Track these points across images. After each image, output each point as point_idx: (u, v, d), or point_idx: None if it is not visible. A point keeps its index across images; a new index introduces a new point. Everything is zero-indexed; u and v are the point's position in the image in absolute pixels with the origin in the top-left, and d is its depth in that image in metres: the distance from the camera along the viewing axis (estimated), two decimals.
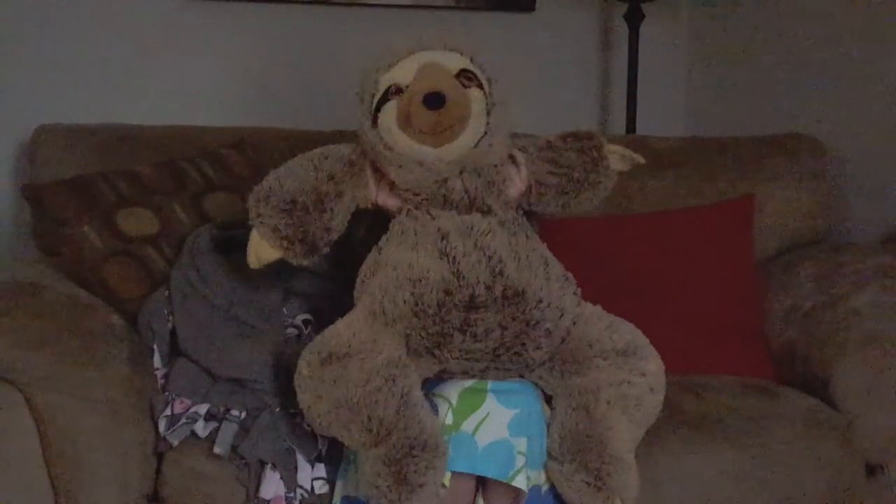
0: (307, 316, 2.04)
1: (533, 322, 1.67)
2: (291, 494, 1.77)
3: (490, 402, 1.65)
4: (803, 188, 2.44)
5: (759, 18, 2.82)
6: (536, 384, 1.76)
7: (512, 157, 1.77)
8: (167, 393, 1.86)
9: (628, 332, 1.75)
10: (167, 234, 2.09)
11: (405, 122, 1.63)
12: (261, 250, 1.73)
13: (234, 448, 1.79)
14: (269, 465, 1.78)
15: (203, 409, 1.82)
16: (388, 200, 1.74)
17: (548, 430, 1.71)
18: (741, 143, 2.55)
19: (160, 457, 1.82)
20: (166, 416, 1.81)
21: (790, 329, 2.20)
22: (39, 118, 2.37)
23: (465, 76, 1.66)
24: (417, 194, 1.70)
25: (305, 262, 1.74)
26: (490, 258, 1.66)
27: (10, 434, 1.71)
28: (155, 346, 1.93)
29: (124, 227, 2.06)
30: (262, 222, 1.71)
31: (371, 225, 1.81)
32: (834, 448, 1.94)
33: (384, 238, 1.72)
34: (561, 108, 2.83)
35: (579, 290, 1.76)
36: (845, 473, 1.94)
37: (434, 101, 1.61)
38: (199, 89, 2.73)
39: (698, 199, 2.42)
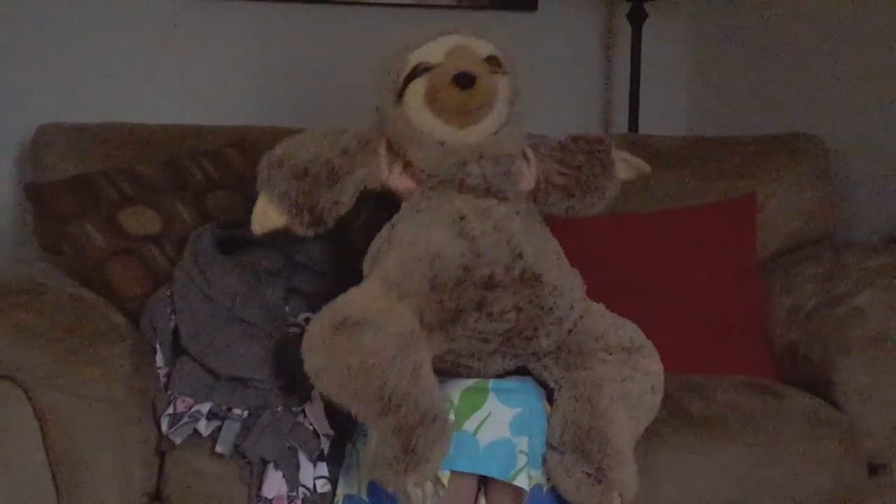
0: (309, 315, 2.03)
1: (547, 307, 1.68)
2: (294, 493, 1.77)
3: (491, 402, 1.65)
4: (806, 188, 2.44)
5: (761, 18, 2.82)
6: (538, 377, 1.76)
7: (524, 153, 1.78)
8: (169, 392, 1.85)
9: (632, 331, 1.77)
10: (169, 233, 2.09)
11: (432, 99, 1.64)
12: (266, 216, 1.72)
13: (236, 447, 1.79)
14: (271, 464, 1.78)
15: (205, 407, 1.82)
16: (399, 182, 1.74)
17: (548, 421, 1.72)
18: (744, 142, 2.55)
19: (162, 455, 1.82)
20: (168, 414, 1.81)
21: (792, 328, 2.19)
22: (41, 117, 2.37)
23: (492, 62, 1.68)
24: (433, 175, 1.70)
25: (310, 233, 1.73)
26: (509, 240, 1.67)
27: (13, 433, 1.71)
28: (157, 345, 1.93)
29: (126, 226, 2.06)
30: (272, 187, 1.70)
31: (367, 220, 1.81)
32: (836, 447, 1.93)
33: (396, 217, 1.72)
34: (563, 107, 2.83)
35: (585, 286, 1.77)
36: (847, 473, 1.94)
37: (464, 80, 1.62)
38: (201, 88, 2.73)
39: (700, 199, 2.42)
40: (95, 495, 1.73)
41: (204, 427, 1.80)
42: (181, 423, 1.80)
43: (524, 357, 1.73)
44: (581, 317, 1.75)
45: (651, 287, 2.26)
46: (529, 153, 1.80)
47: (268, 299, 2.00)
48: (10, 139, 2.54)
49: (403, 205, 1.73)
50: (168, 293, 1.97)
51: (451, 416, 1.63)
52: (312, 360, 1.59)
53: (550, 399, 1.76)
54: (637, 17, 2.82)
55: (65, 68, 2.62)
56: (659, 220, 2.35)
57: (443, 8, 2.84)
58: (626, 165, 1.90)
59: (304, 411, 1.83)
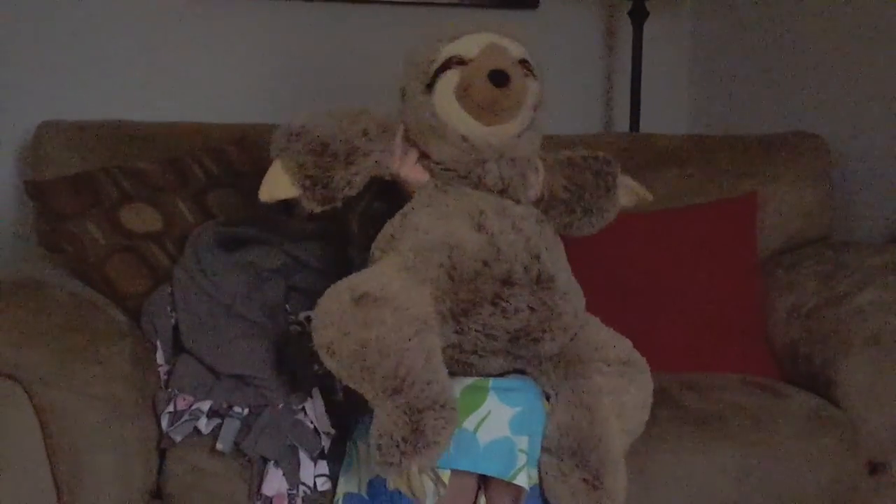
0: (310, 313, 2.02)
1: (557, 311, 1.68)
2: (294, 491, 1.77)
3: (491, 401, 1.65)
4: (807, 186, 2.44)
5: (762, 16, 2.82)
6: (536, 381, 1.76)
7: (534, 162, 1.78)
8: (170, 389, 1.86)
9: (628, 347, 1.78)
10: (170, 231, 2.09)
11: (464, 93, 1.64)
12: (279, 184, 1.67)
13: (236, 445, 1.79)
14: (271, 462, 1.78)
15: (206, 405, 1.82)
16: (411, 173, 1.73)
17: (546, 425, 1.71)
18: (745, 141, 2.55)
19: (163, 453, 1.82)
20: (169, 412, 1.81)
21: (793, 327, 2.20)
22: (42, 114, 2.37)
23: (524, 66, 1.69)
24: (451, 170, 1.69)
25: (317, 209, 1.69)
26: (528, 240, 1.68)
27: (13, 430, 1.71)
28: (158, 343, 1.93)
29: (127, 224, 2.06)
30: (288, 157, 1.66)
31: (363, 218, 1.81)
32: (837, 446, 1.94)
33: (408, 206, 1.71)
34: (564, 106, 2.81)
35: (584, 299, 1.78)
36: (848, 472, 1.94)
37: (500, 78, 1.62)
38: (203, 86, 2.73)
39: (701, 198, 2.42)
40: (95, 493, 1.73)
41: (204, 425, 1.80)
42: (181, 420, 1.80)
43: (526, 359, 1.72)
44: (581, 326, 1.76)
45: (652, 286, 2.26)
46: (539, 164, 1.80)
47: (268, 297, 2.00)
48: (11, 136, 2.54)
49: (416, 195, 1.72)
50: (168, 291, 1.97)
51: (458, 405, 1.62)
52: (326, 331, 1.55)
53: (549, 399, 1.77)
54: (638, 16, 2.82)
55: (66, 66, 2.62)
56: (660, 218, 2.35)
57: (444, 6, 2.84)
58: (628, 191, 1.90)
59: (304, 409, 1.83)
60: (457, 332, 1.65)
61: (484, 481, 1.69)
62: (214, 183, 2.22)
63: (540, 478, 1.70)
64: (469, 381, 1.69)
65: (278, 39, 2.78)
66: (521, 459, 1.64)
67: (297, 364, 1.87)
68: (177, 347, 1.93)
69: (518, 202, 1.72)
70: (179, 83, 2.71)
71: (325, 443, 1.81)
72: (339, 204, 1.71)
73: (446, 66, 1.66)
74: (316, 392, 1.84)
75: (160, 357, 1.93)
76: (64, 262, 2.05)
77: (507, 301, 1.64)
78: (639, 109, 2.85)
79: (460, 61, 1.66)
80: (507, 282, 1.64)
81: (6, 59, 2.58)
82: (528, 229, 1.69)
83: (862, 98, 2.48)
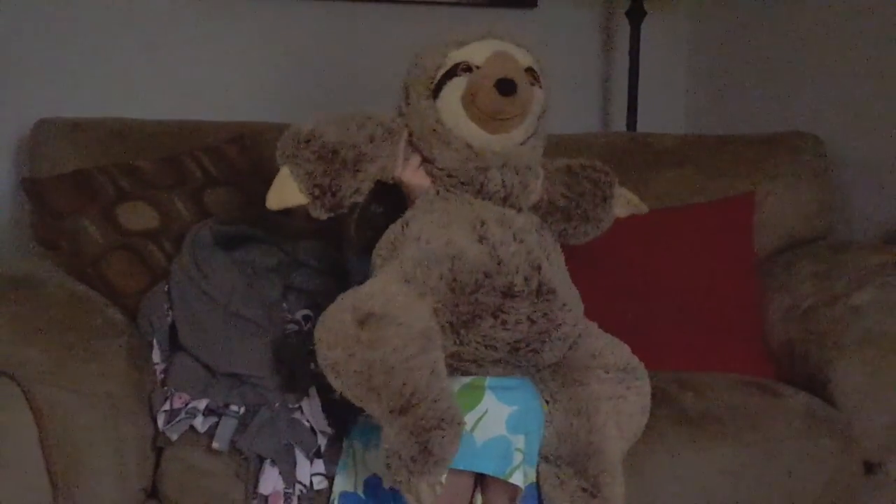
0: (307, 312, 2.04)
1: (557, 322, 1.68)
2: (290, 490, 1.77)
3: (488, 399, 1.65)
4: (804, 186, 2.44)
5: (760, 16, 2.82)
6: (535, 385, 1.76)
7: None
8: (166, 388, 1.85)
9: (626, 353, 1.78)
10: (167, 229, 2.08)
11: (470, 100, 1.63)
12: (287, 193, 1.66)
13: (233, 443, 1.79)
14: (267, 461, 1.78)
15: (202, 404, 1.82)
16: (413, 178, 1.72)
17: (544, 433, 1.72)
18: (742, 140, 2.55)
19: (159, 451, 1.82)
20: (165, 410, 1.81)
21: (789, 327, 2.20)
22: (40, 112, 2.37)
23: (531, 74, 1.68)
24: (453, 176, 1.69)
25: (324, 217, 1.68)
26: (529, 252, 1.67)
27: (9, 428, 1.71)
28: (154, 341, 1.93)
29: (124, 222, 2.06)
30: (297, 164, 1.64)
31: (360, 222, 1.80)
32: (832, 446, 1.94)
33: (410, 213, 1.70)
34: (562, 105, 2.81)
35: (582, 305, 1.78)
36: (843, 471, 1.94)
37: (507, 87, 1.62)
38: (201, 84, 2.72)
39: (698, 197, 2.42)
40: (91, 491, 1.73)
41: (200, 423, 1.80)
42: (178, 419, 1.79)
43: (525, 369, 1.72)
44: (580, 334, 1.76)
45: (649, 285, 2.26)
46: (539, 170, 1.80)
47: (265, 296, 2.00)
48: (9, 133, 2.53)
49: (417, 202, 1.71)
50: (165, 289, 1.97)
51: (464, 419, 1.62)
52: (331, 353, 1.54)
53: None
54: (636, 15, 2.82)
55: (64, 63, 2.62)
56: (657, 218, 2.34)
57: (443, 5, 2.84)
58: (623, 202, 1.90)
59: (300, 408, 1.83)
60: (456, 343, 1.65)
61: (480, 480, 1.69)
62: (212, 181, 2.22)
63: (538, 482, 1.71)
64: (466, 379, 1.69)
65: (277, 38, 2.77)
66: (518, 458, 1.64)
67: (293, 363, 1.86)
68: (173, 346, 1.93)
69: (520, 210, 1.72)
70: (177, 81, 2.71)
71: (322, 441, 1.81)
72: (345, 210, 1.70)
73: (453, 72, 1.65)
74: (313, 391, 1.84)
75: (156, 355, 1.92)
76: (61, 259, 2.05)
77: (508, 313, 1.64)
78: (636, 109, 2.85)
79: (467, 68, 1.65)
80: (508, 294, 1.64)
81: (4, 56, 2.57)
82: (529, 240, 1.69)
83: (859, 98, 2.48)
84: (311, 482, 1.79)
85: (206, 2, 2.71)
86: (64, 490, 1.72)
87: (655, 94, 2.98)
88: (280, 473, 1.78)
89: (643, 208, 1.93)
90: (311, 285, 2.05)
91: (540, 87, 1.70)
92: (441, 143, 1.67)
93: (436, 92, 1.66)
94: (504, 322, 1.63)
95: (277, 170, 1.67)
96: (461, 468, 1.63)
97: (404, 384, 1.53)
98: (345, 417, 1.80)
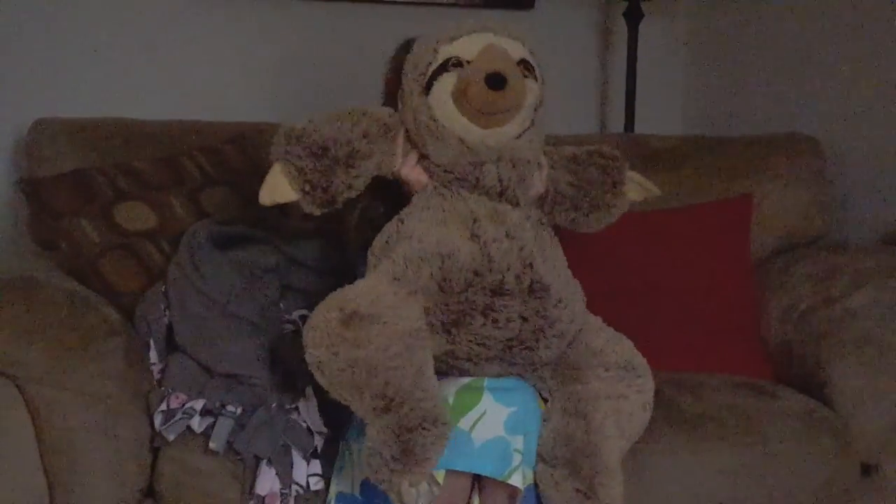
0: (304, 312, 2.04)
1: (551, 320, 1.67)
2: (286, 490, 1.77)
3: (487, 400, 1.65)
4: (801, 188, 2.44)
5: (757, 18, 2.82)
6: (534, 386, 1.75)
7: (538, 160, 1.77)
8: (163, 388, 1.85)
9: (628, 349, 1.76)
10: (165, 229, 2.08)
11: (461, 95, 1.62)
12: (278, 189, 1.67)
13: (229, 444, 1.79)
14: (264, 461, 1.78)
15: (199, 404, 1.82)
16: (411, 174, 1.72)
17: (541, 432, 1.71)
18: (739, 142, 2.55)
19: (156, 452, 1.82)
20: (162, 411, 1.81)
21: (787, 328, 2.20)
22: (37, 112, 2.36)
23: (524, 66, 1.67)
24: (449, 172, 1.68)
25: (317, 212, 1.69)
26: (521, 248, 1.66)
27: (6, 429, 1.71)
28: (151, 341, 1.93)
29: (122, 222, 2.06)
30: (288, 160, 1.66)
31: (365, 207, 1.80)
32: (830, 448, 1.94)
33: (406, 210, 1.70)
34: (559, 106, 2.82)
35: (584, 298, 1.77)
36: (841, 473, 1.94)
37: (497, 81, 1.60)
38: (199, 84, 2.72)
39: (696, 198, 2.42)
40: (88, 491, 1.73)
41: (197, 424, 1.80)
42: (175, 419, 1.79)
43: (522, 366, 1.72)
44: (580, 330, 1.74)
45: (647, 286, 2.26)
46: (543, 161, 1.79)
47: (263, 296, 2.00)
48: (6, 133, 2.53)
49: (414, 199, 1.71)
50: (163, 289, 1.97)
51: (451, 420, 1.61)
52: (315, 351, 1.55)
53: (546, 401, 1.76)
54: (633, 17, 2.82)
55: (62, 63, 2.62)
56: (655, 219, 2.35)
57: (440, 6, 2.84)
58: (636, 186, 1.89)
59: (297, 409, 1.83)
60: (449, 341, 1.65)
61: (478, 481, 1.69)
62: (209, 181, 2.22)
63: (536, 482, 1.70)
64: (464, 381, 1.68)
65: (275, 38, 2.77)
66: (516, 459, 1.64)
67: (290, 363, 1.86)
68: (170, 346, 1.93)
69: (517, 204, 1.71)
70: (175, 81, 2.71)
71: (318, 442, 1.81)
72: (339, 206, 1.70)
73: (444, 67, 1.65)
74: (309, 391, 1.84)
75: (154, 355, 1.92)
76: (58, 259, 2.05)
77: (499, 311, 1.63)
78: (633, 110, 2.85)
79: (458, 63, 1.64)
80: (498, 292, 1.63)
81: (1, 56, 2.57)
82: (522, 236, 1.67)
83: (856, 100, 2.48)
84: (308, 483, 1.79)
85: (204, 2, 2.71)
86: (61, 490, 1.72)
87: (653, 96, 2.98)
88: (277, 474, 1.77)
89: (655, 191, 1.91)
90: (308, 285, 2.05)
91: (534, 79, 1.68)
92: (435, 139, 1.67)
93: (427, 88, 1.65)
94: (495, 321, 1.63)
95: (270, 165, 1.67)
96: (459, 469, 1.63)
97: (387, 383, 1.53)
98: (341, 418, 1.80)
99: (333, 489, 1.79)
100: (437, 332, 1.63)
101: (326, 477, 1.81)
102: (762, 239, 2.41)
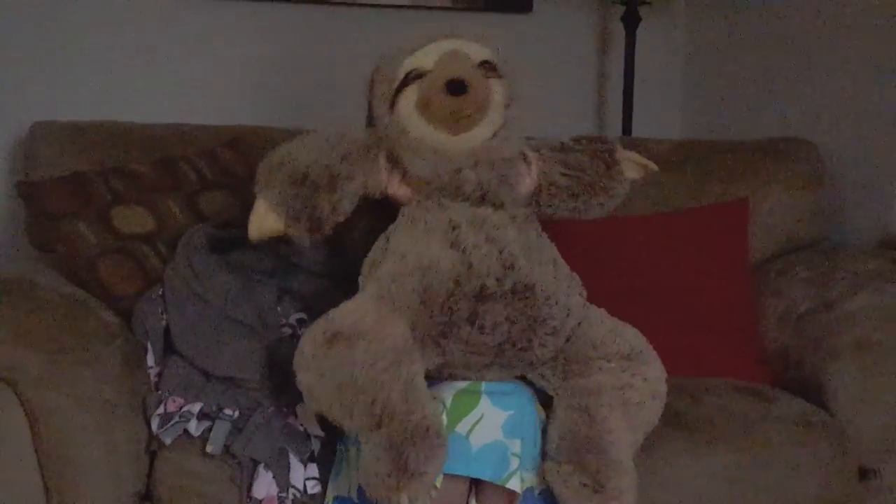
0: (301, 315, 2.04)
1: (541, 318, 1.66)
2: (284, 494, 1.77)
3: (484, 404, 1.65)
4: (798, 192, 2.44)
5: (755, 22, 2.83)
6: (535, 385, 1.75)
7: (523, 155, 1.77)
8: (160, 391, 1.85)
9: (632, 337, 1.75)
10: (162, 232, 2.08)
11: (424, 107, 1.62)
12: (264, 221, 1.68)
13: (226, 447, 1.78)
14: (261, 465, 1.78)
15: (196, 407, 1.82)
16: (398, 190, 1.72)
17: (546, 430, 1.71)
18: (737, 146, 2.55)
19: (153, 455, 1.82)
20: (159, 414, 1.81)
21: (784, 332, 2.20)
22: (35, 115, 2.36)
23: (487, 66, 1.67)
24: (429, 183, 1.68)
25: (306, 241, 1.71)
26: (501, 251, 1.65)
27: (3, 432, 1.70)
28: (148, 345, 1.93)
29: (119, 225, 2.06)
30: (270, 192, 1.67)
31: (368, 225, 1.80)
32: (827, 452, 1.94)
33: (392, 227, 1.71)
34: (557, 110, 2.83)
35: (584, 291, 1.76)
36: (839, 477, 1.94)
37: (456, 87, 1.60)
38: (196, 87, 2.72)
39: (693, 202, 2.43)
40: (85, 495, 1.73)
41: (194, 427, 1.80)
42: (171, 422, 1.79)
43: (520, 367, 1.72)
44: (579, 323, 1.73)
45: (644, 289, 2.26)
46: (530, 155, 1.78)
47: (260, 299, 2.00)
48: (4, 136, 2.54)
49: (399, 216, 1.71)
50: (160, 292, 1.97)
51: (445, 424, 1.62)
52: (304, 375, 1.57)
53: (545, 404, 1.76)
54: (631, 21, 2.82)
55: (60, 66, 2.62)
56: (652, 222, 2.36)
57: (437, 9, 2.84)
58: (632, 165, 1.87)
59: (294, 412, 1.83)
60: (440, 353, 1.65)
61: (475, 485, 1.69)
62: (207, 185, 2.22)
63: (541, 480, 1.70)
64: (462, 384, 1.68)
65: (272, 42, 2.77)
66: (514, 463, 1.64)
67: (287, 367, 1.85)
68: (168, 349, 1.93)
69: (500, 206, 1.70)
70: (172, 84, 2.71)
71: (316, 446, 1.81)
72: (327, 232, 1.71)
73: (406, 81, 1.65)
74: None
75: (151, 359, 1.92)
76: (55, 262, 2.04)
77: (484, 317, 1.63)
78: (631, 114, 2.85)
79: (418, 75, 1.64)
80: (480, 298, 1.63)
81: (0, 58, 2.57)
82: (503, 238, 1.67)
83: (854, 104, 2.48)
84: (305, 486, 1.79)
85: (202, 5, 2.71)
86: (57, 493, 1.72)
87: (651, 100, 2.99)
88: (274, 477, 1.77)
89: (652, 166, 1.89)
90: (305, 288, 2.05)
91: (499, 77, 1.67)
92: (409, 152, 1.67)
93: (393, 104, 1.66)
94: (482, 327, 1.63)
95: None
96: (457, 473, 1.63)
97: (374, 401, 1.54)
98: None
99: (331, 493, 1.79)
100: (428, 346, 1.64)
101: (324, 480, 1.80)
102: (760, 243, 2.41)
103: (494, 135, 1.67)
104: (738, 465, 1.89)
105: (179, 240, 2.03)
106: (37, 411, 1.71)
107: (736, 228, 2.38)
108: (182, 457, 1.80)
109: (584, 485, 1.65)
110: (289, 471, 1.78)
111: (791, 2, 2.68)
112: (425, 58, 1.65)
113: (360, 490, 1.73)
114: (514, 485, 1.64)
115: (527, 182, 1.76)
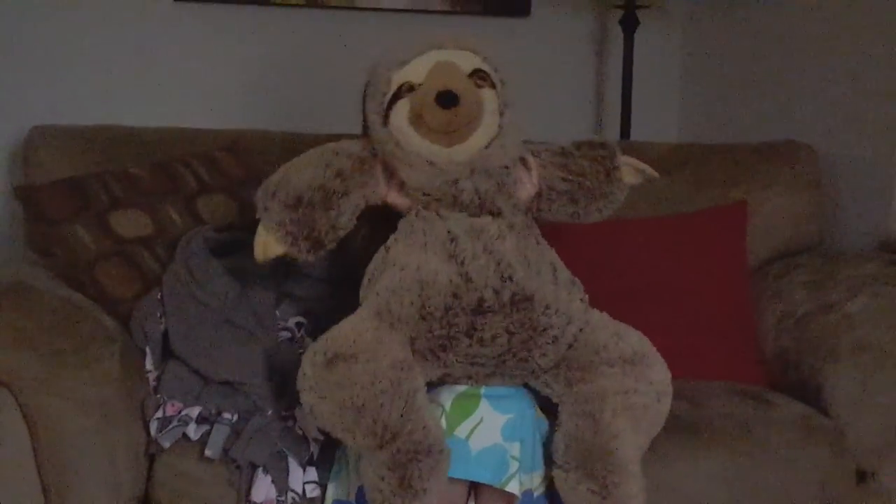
0: (300, 319, 2.04)
1: (540, 328, 1.67)
2: (282, 498, 1.77)
3: (483, 408, 1.65)
4: (797, 195, 2.45)
5: (752, 25, 2.83)
6: (537, 391, 1.75)
7: (523, 160, 1.77)
8: (159, 395, 1.85)
9: (635, 340, 1.75)
10: (160, 236, 2.08)
11: (417, 120, 1.63)
12: (268, 246, 1.71)
13: (225, 451, 1.78)
14: (260, 469, 1.78)
15: (195, 411, 1.82)
16: (397, 199, 1.73)
17: (552, 437, 1.71)
18: (735, 149, 2.55)
19: (151, 459, 1.82)
20: (158, 418, 1.81)
21: (782, 335, 2.20)
22: (34, 119, 2.36)
23: (478, 76, 1.67)
24: (427, 194, 1.69)
25: (311, 259, 1.73)
26: (499, 262, 1.65)
27: (1, 436, 1.70)
28: (147, 348, 1.93)
29: (117, 229, 2.06)
30: (269, 218, 1.70)
31: (369, 232, 1.80)
32: (825, 455, 1.94)
33: (392, 238, 1.71)
34: (555, 114, 2.83)
35: (586, 296, 1.76)
36: (836, 480, 1.94)
37: (447, 99, 1.60)
38: (194, 91, 2.73)
39: (692, 206, 2.43)
40: (83, 498, 1.72)
41: (193, 431, 1.80)
42: (170, 426, 1.79)
43: (522, 376, 1.72)
44: (581, 329, 1.73)
45: (642, 293, 2.26)
46: (530, 160, 1.78)
47: (258, 303, 2.00)
48: (3, 140, 2.54)
49: (399, 226, 1.72)
50: (158, 296, 1.97)
51: (444, 428, 1.62)
52: (307, 396, 1.59)
53: (546, 408, 1.76)
54: (629, 24, 2.82)
55: (58, 70, 2.62)
56: (650, 226, 2.36)
57: (436, 13, 2.85)
58: (631, 170, 1.87)
59: (293, 416, 1.83)
60: (440, 366, 1.66)
61: (474, 488, 1.69)
62: (205, 188, 2.22)
63: (540, 484, 1.70)
64: (461, 388, 1.68)
65: (270, 46, 2.78)
66: (513, 466, 1.64)
67: (286, 370, 1.86)
68: (166, 353, 1.93)
69: (499, 214, 1.70)
70: (171, 89, 2.71)
71: (314, 449, 1.81)
72: (329, 247, 1.72)
73: (398, 95, 1.65)
74: None
75: (149, 363, 1.92)
76: (54, 266, 2.04)
77: (483, 330, 1.63)
78: (629, 117, 2.86)
79: (410, 88, 1.65)
80: (478, 311, 1.63)
81: None
82: (500, 249, 1.67)
83: (852, 107, 2.48)
84: (304, 490, 1.79)
85: (200, 10, 2.71)
86: (56, 497, 1.72)
87: (649, 103, 2.99)
88: (273, 481, 1.77)
89: (653, 173, 1.90)
90: (304, 292, 2.05)
91: (491, 87, 1.67)
92: (405, 165, 1.67)
93: (386, 118, 1.66)
94: (481, 339, 1.64)
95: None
96: (458, 477, 1.63)
97: (375, 421, 1.55)
98: None
99: (330, 496, 1.79)
100: (428, 360, 1.64)
101: (322, 484, 1.80)
102: (758, 246, 2.41)
103: (490, 143, 1.67)
104: (736, 467, 1.89)
105: (178, 243, 2.03)
106: (35, 415, 1.71)
107: (734, 231, 2.38)
108: (181, 460, 1.80)
109: (593, 492, 1.65)
110: (287, 474, 1.78)
111: (788, 6, 2.68)
112: (416, 70, 1.65)
113: (359, 493, 1.73)
114: (514, 488, 1.64)
115: (527, 187, 1.77)
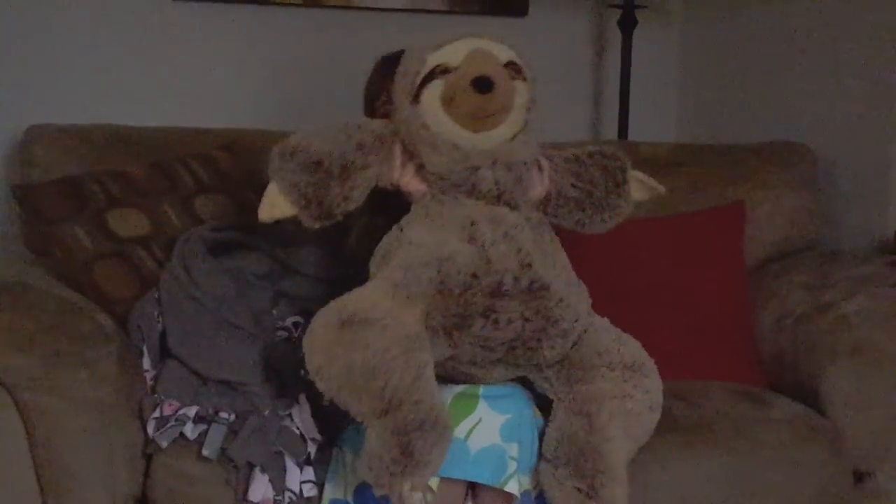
0: (297, 318, 2.04)
1: (553, 319, 1.66)
2: (280, 497, 1.77)
3: (482, 408, 1.65)
4: (794, 196, 2.45)
5: (751, 26, 2.83)
6: (538, 389, 1.75)
7: (537, 162, 1.77)
8: (156, 395, 1.85)
9: (635, 349, 1.76)
10: (158, 236, 2.08)
11: (449, 102, 1.62)
12: (274, 205, 1.69)
13: (222, 450, 1.78)
14: (257, 468, 1.78)
15: (192, 411, 1.82)
16: (411, 183, 1.72)
17: (544, 432, 1.71)
18: (732, 150, 2.56)
19: (149, 459, 1.82)
20: (155, 417, 1.81)
21: (780, 336, 2.20)
22: (31, 118, 2.36)
23: (512, 68, 1.67)
24: (445, 179, 1.68)
25: (317, 225, 1.70)
26: (519, 250, 1.65)
27: None
28: (144, 348, 1.93)
29: (115, 228, 2.06)
30: (283, 177, 1.68)
31: (365, 230, 1.80)
32: (822, 455, 1.94)
33: (406, 219, 1.70)
34: (553, 113, 2.82)
35: (590, 300, 1.77)
36: (834, 480, 1.94)
37: (483, 85, 1.60)
38: (192, 91, 2.72)
39: (689, 206, 2.43)
40: (81, 498, 1.72)
41: (190, 430, 1.79)
42: (168, 426, 1.79)
43: (526, 367, 1.72)
44: (585, 330, 1.74)
45: (639, 293, 2.26)
46: (544, 162, 1.79)
47: (256, 303, 2.00)
48: (0, 139, 2.53)
49: (413, 207, 1.71)
50: (156, 296, 1.97)
51: (451, 423, 1.61)
52: (315, 356, 1.55)
53: (541, 407, 1.76)
54: (627, 24, 2.83)
55: (55, 69, 2.62)
56: (647, 226, 2.36)
57: (434, 13, 2.85)
58: (640, 185, 1.88)
59: (290, 415, 1.83)
60: (451, 345, 1.64)
61: (473, 488, 1.69)
62: (203, 188, 2.22)
63: (537, 483, 1.70)
64: (460, 388, 1.69)
65: (268, 45, 2.77)
66: (512, 466, 1.64)
67: (283, 370, 1.86)
68: (164, 353, 1.93)
69: (515, 207, 1.70)
70: (168, 88, 2.71)
71: (312, 449, 1.81)
72: (338, 218, 1.71)
73: (432, 75, 1.64)
74: (303, 398, 1.84)
75: (147, 362, 1.92)
76: (51, 266, 2.04)
77: (499, 313, 1.63)
78: (627, 117, 2.86)
79: (445, 70, 1.64)
80: (497, 293, 1.63)
81: None
82: (520, 237, 1.67)
83: (849, 108, 2.49)
84: (301, 490, 1.79)
85: (197, 9, 2.71)
86: (53, 496, 1.72)
87: (646, 103, 2.99)
88: (270, 481, 1.77)
89: (660, 189, 1.90)
90: (302, 292, 2.05)
91: (523, 80, 1.68)
92: (428, 147, 1.67)
93: (417, 96, 1.65)
94: (496, 322, 1.63)
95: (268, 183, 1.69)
96: (456, 477, 1.63)
97: (385, 386, 1.53)
98: (335, 425, 1.80)
99: (327, 496, 1.79)
100: (439, 336, 1.63)
101: (320, 483, 1.80)
102: (754, 247, 2.41)
103: (514, 136, 1.67)
104: (733, 468, 1.89)
105: (175, 243, 2.03)
106: (32, 414, 1.71)
107: (731, 232, 2.38)
108: (178, 460, 1.80)
109: (578, 489, 1.65)
110: (285, 474, 1.78)
111: (786, 7, 2.68)
112: (453, 53, 1.65)
113: (356, 493, 1.73)
114: (512, 488, 1.64)
115: (538, 189, 1.77)
